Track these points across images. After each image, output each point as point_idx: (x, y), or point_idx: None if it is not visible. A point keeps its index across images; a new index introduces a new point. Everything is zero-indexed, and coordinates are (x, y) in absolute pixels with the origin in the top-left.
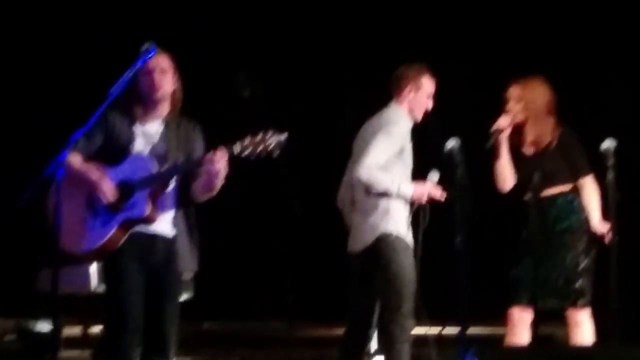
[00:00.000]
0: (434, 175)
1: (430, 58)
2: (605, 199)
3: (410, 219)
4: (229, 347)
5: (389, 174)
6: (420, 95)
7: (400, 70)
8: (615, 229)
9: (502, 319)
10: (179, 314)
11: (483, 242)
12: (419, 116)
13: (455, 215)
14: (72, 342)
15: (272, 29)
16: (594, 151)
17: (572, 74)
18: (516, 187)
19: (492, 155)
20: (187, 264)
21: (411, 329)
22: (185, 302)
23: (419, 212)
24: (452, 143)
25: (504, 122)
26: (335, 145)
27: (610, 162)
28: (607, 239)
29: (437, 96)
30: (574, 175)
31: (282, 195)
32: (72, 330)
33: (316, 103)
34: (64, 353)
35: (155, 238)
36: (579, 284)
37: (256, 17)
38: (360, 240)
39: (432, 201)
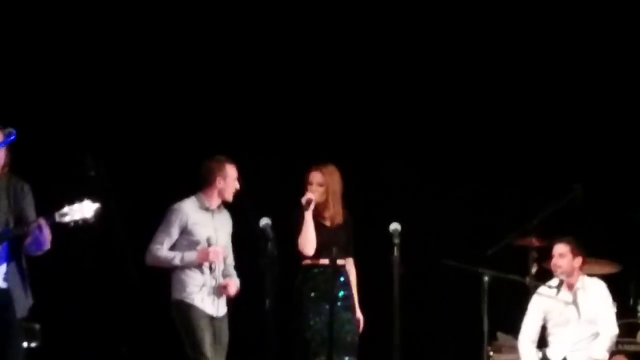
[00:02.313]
0: (265, 221)
1: (244, 153)
2: (391, 272)
3: (211, 282)
4: None
5: (176, 250)
6: (228, 181)
7: (206, 165)
8: (399, 296)
9: None
10: (24, 358)
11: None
12: (230, 197)
13: (266, 281)
14: None
15: (118, 116)
16: (382, 231)
17: (361, 163)
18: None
19: (300, 222)
20: (21, 309)
21: None
22: (33, 350)
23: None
24: (264, 221)
25: (312, 195)
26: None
27: (396, 241)
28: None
29: (252, 185)
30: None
31: (120, 258)
32: None
33: (151, 181)
34: None
35: None
36: (357, 340)
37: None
38: None
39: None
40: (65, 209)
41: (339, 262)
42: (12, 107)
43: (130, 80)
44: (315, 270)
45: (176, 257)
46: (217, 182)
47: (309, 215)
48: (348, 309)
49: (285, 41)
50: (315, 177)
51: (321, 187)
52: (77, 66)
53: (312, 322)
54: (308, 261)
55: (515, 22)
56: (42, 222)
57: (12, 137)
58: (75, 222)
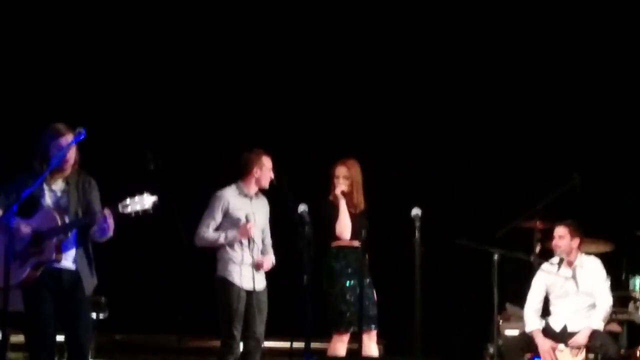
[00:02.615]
0: (303, 207)
1: (280, 149)
2: (413, 251)
3: (250, 259)
4: (134, 353)
5: (220, 231)
6: (264, 171)
7: (245, 156)
8: (419, 272)
9: (329, 337)
10: (93, 327)
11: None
12: (266, 184)
13: (304, 260)
14: (17, 347)
15: (175, 117)
16: (403, 215)
17: (388, 158)
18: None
19: (332, 211)
20: (88, 286)
21: (231, 348)
22: (102, 319)
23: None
24: (302, 208)
25: (344, 188)
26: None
27: (417, 224)
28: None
29: (292, 177)
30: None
31: (175, 238)
32: (17, 338)
33: (200, 173)
34: (10, 355)
35: (61, 271)
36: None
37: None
38: None
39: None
40: (127, 201)
41: (356, 243)
42: (80, 110)
43: (184, 88)
44: (347, 250)
45: (221, 237)
46: (255, 171)
47: (343, 205)
48: (370, 285)
49: (320, 55)
50: (341, 170)
51: (347, 179)
52: (134, 75)
53: (347, 296)
54: (340, 243)
55: (518, 27)
56: (107, 212)
57: (81, 136)
58: (136, 212)
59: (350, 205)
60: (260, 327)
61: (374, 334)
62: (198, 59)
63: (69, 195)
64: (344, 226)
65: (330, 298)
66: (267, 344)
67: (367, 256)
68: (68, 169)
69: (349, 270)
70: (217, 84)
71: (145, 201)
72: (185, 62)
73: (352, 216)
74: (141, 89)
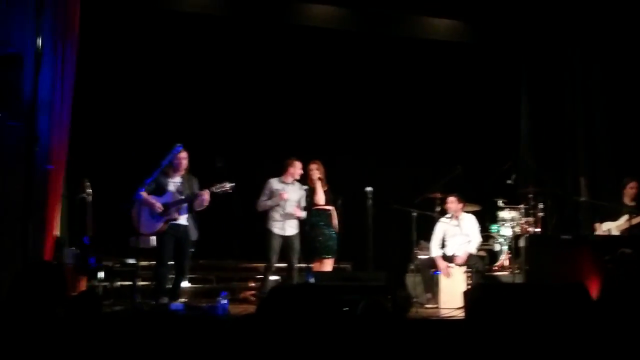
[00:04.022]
0: (305, 187)
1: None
2: (367, 212)
3: (284, 217)
4: (210, 271)
5: (270, 201)
6: (295, 170)
7: (286, 161)
8: (372, 224)
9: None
10: (191, 256)
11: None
12: (297, 177)
13: (307, 217)
14: (145, 269)
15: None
16: (361, 191)
17: (352, 156)
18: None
19: (314, 190)
20: (193, 235)
21: (270, 268)
22: (192, 252)
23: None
24: (304, 187)
25: (319, 175)
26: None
27: (370, 196)
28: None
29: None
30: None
31: (233, 207)
32: (144, 263)
33: (250, 171)
34: (141, 273)
35: (179, 225)
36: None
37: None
38: None
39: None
40: (217, 185)
41: (329, 207)
42: (180, 135)
43: (241, 120)
44: (321, 211)
45: (269, 202)
46: (289, 170)
47: (319, 186)
48: (334, 232)
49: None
50: (314, 166)
51: (318, 170)
52: (211, 114)
53: (320, 238)
54: (316, 207)
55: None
56: (205, 192)
57: (178, 149)
58: (222, 192)
59: (322, 185)
60: (294, 259)
61: (332, 260)
62: (250, 104)
63: (183, 184)
64: (321, 197)
65: (312, 239)
66: (281, 265)
67: (335, 215)
68: (182, 170)
69: (321, 223)
70: (263, 118)
71: (227, 186)
72: (242, 107)
73: (324, 192)
74: (215, 122)
